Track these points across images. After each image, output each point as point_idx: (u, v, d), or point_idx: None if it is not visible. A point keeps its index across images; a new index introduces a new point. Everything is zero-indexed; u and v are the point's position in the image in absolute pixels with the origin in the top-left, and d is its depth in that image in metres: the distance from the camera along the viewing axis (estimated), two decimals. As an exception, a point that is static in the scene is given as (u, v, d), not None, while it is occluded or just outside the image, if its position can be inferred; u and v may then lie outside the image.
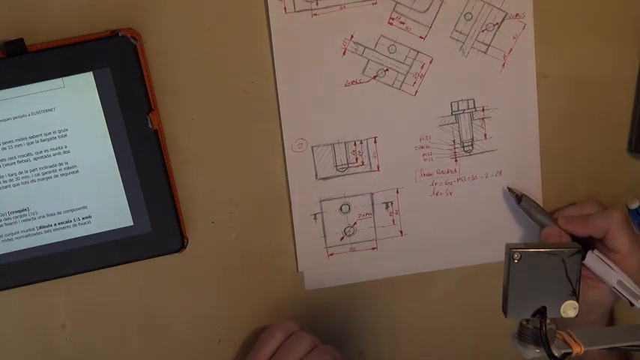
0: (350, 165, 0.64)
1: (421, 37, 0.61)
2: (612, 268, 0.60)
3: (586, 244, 0.63)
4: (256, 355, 0.61)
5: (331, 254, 0.66)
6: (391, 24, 0.61)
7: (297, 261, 0.66)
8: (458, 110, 0.64)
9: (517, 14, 0.62)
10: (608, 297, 0.62)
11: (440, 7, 0.61)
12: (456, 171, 0.65)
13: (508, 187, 0.65)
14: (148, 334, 0.66)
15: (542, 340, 0.47)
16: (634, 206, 0.65)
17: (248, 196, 0.64)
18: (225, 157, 0.63)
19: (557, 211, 0.66)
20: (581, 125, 0.66)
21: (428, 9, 0.61)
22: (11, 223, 0.59)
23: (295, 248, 0.65)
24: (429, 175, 0.65)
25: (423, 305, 0.69)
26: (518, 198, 0.64)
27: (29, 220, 0.59)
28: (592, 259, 0.62)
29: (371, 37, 0.61)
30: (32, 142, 0.57)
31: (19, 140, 0.57)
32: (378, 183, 0.65)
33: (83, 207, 0.59)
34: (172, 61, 0.59)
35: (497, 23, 0.62)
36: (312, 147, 0.63)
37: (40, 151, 0.57)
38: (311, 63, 0.61)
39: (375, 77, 0.62)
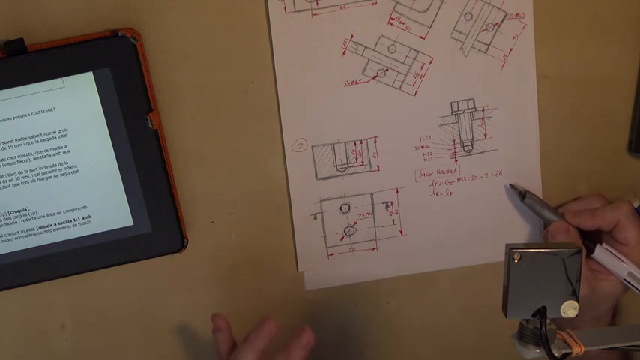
0: (350, 165, 0.64)
1: (421, 37, 0.61)
2: (622, 260, 0.61)
3: (591, 238, 0.63)
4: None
5: (331, 254, 0.66)
6: (391, 24, 0.61)
7: (297, 261, 0.66)
8: (458, 110, 0.64)
9: (517, 14, 0.62)
10: (617, 289, 0.63)
11: (440, 7, 0.61)
12: (456, 171, 0.65)
13: (511, 185, 0.65)
14: (148, 334, 0.66)
15: (542, 340, 0.47)
16: (634, 206, 0.65)
17: (248, 196, 0.64)
18: (225, 157, 0.63)
19: (561, 206, 0.66)
20: (581, 125, 0.66)
21: (428, 9, 0.61)
22: (11, 223, 0.59)
23: (295, 248, 0.65)
24: (429, 175, 0.65)
25: (423, 305, 0.69)
26: (522, 194, 0.64)
27: (29, 220, 0.59)
28: (601, 252, 0.62)
29: (371, 37, 0.61)
30: (32, 142, 0.57)
31: (19, 140, 0.57)
32: (378, 183, 0.65)
33: (83, 207, 0.59)
34: (172, 61, 0.59)
35: (497, 23, 0.62)
36: (312, 147, 0.63)
37: (40, 151, 0.57)
38: (311, 63, 0.61)
39: (375, 77, 0.62)
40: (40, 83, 0.56)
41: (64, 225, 0.60)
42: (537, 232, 0.67)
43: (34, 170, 0.58)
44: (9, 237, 0.59)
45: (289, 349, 0.57)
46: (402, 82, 0.62)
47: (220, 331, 0.59)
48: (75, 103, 0.57)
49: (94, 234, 0.60)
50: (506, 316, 0.48)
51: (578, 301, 0.48)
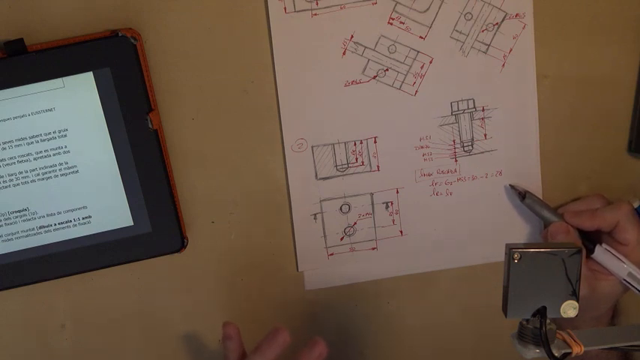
0: (350, 165, 0.64)
1: (421, 37, 0.61)
2: (622, 261, 0.61)
3: (591, 238, 0.63)
4: None
5: (331, 254, 0.66)
6: (391, 24, 0.61)
7: (297, 261, 0.66)
8: (458, 110, 0.64)
9: (517, 14, 0.62)
10: (617, 289, 0.63)
11: (440, 7, 0.61)
12: (456, 171, 0.65)
13: (510, 185, 0.65)
14: (148, 334, 0.66)
15: (542, 340, 0.47)
16: (634, 205, 0.65)
17: (248, 196, 0.64)
18: (225, 157, 0.63)
19: (561, 207, 0.66)
20: (581, 125, 0.66)
21: (428, 9, 0.61)
22: (11, 223, 0.59)
23: (295, 248, 0.65)
24: (429, 175, 0.65)
25: (423, 305, 0.69)
26: (522, 195, 0.64)
27: (29, 220, 0.59)
28: (601, 252, 0.62)
29: (371, 37, 0.61)
30: (32, 142, 0.57)
31: (19, 140, 0.57)
32: (378, 183, 0.65)
33: (83, 207, 0.59)
34: (172, 61, 0.59)
35: (497, 23, 0.62)
36: (312, 147, 0.63)
37: (40, 151, 0.57)
38: (311, 63, 0.61)
39: (375, 77, 0.62)
40: (40, 83, 0.56)
41: (64, 225, 0.60)
42: (537, 233, 0.67)
43: (34, 170, 0.58)
44: (9, 237, 0.59)
45: None
46: (402, 82, 0.62)
47: (230, 339, 0.58)
48: (75, 103, 0.57)
49: (94, 234, 0.60)
50: (506, 316, 0.48)
51: (578, 301, 0.48)
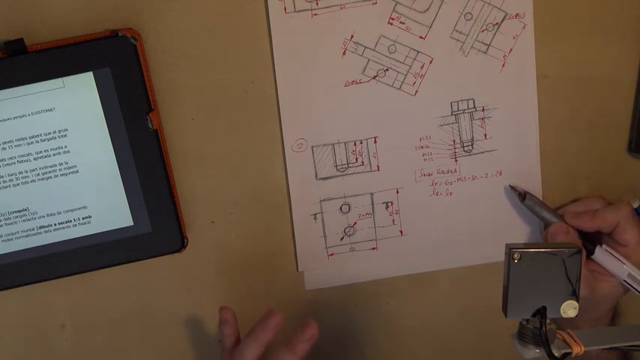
0: (350, 165, 0.64)
1: (421, 37, 0.61)
2: (622, 262, 0.61)
3: (591, 239, 0.63)
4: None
5: (331, 254, 0.66)
6: (391, 24, 0.61)
7: (297, 261, 0.66)
8: (458, 110, 0.64)
9: (517, 14, 0.62)
10: (617, 290, 0.63)
11: (440, 7, 0.61)
12: (456, 171, 0.65)
13: (510, 185, 0.65)
14: (148, 334, 0.66)
15: (542, 340, 0.47)
16: (634, 205, 0.65)
17: (248, 196, 0.64)
18: (225, 157, 0.63)
19: (561, 207, 0.66)
20: (581, 125, 0.66)
21: (428, 9, 0.61)
22: (11, 223, 0.59)
23: (295, 248, 0.65)
24: (429, 175, 0.65)
25: (423, 305, 0.69)
26: (522, 196, 0.64)
27: (29, 220, 0.59)
28: (601, 253, 0.62)
29: (371, 37, 0.61)
30: (32, 142, 0.57)
31: (19, 140, 0.57)
32: (378, 183, 0.65)
33: (83, 207, 0.59)
34: (172, 61, 0.59)
35: (497, 23, 0.62)
36: (312, 147, 0.63)
37: (40, 151, 0.57)
38: (311, 63, 0.61)
39: (375, 77, 0.62)
40: (40, 83, 0.56)
41: (64, 225, 0.60)
42: (537, 233, 0.67)
43: (34, 170, 0.58)
44: (9, 237, 0.59)
45: (293, 342, 0.57)
46: (402, 82, 0.62)
47: (226, 323, 0.59)
48: (75, 103, 0.57)
49: (94, 234, 0.60)
50: (506, 316, 0.48)
51: (578, 301, 0.48)
